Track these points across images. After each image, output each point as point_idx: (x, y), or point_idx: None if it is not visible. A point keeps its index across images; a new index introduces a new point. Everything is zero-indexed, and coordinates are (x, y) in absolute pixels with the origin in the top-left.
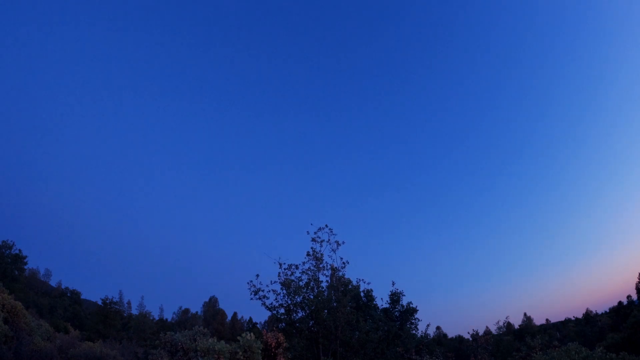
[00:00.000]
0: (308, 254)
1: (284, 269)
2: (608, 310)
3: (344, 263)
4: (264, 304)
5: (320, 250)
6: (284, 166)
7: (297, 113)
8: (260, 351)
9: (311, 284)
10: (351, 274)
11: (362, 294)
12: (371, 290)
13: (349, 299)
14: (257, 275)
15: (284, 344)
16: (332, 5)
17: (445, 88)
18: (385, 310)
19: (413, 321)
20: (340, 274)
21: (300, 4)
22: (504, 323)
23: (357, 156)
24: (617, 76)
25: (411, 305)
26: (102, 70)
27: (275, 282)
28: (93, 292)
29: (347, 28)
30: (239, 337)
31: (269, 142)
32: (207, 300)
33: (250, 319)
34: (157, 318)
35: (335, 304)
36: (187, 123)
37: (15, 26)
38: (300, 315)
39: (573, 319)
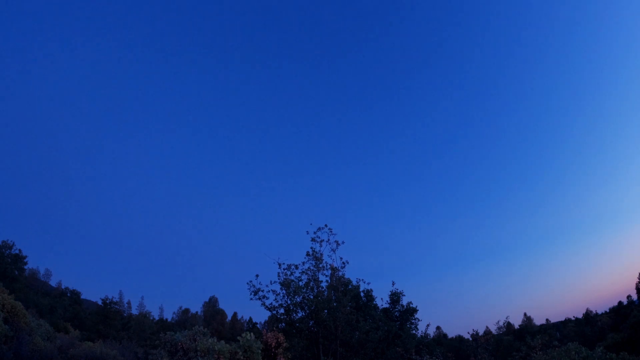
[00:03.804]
0: (308, 254)
1: (284, 269)
2: (608, 310)
3: (343, 263)
4: (263, 304)
5: (320, 250)
6: (284, 166)
7: (296, 113)
8: (260, 351)
9: (311, 284)
10: (351, 273)
11: (362, 294)
12: (371, 290)
13: (348, 299)
14: (257, 275)
15: (284, 344)
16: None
17: (441, 89)
18: (385, 310)
19: (413, 321)
20: (340, 273)
21: (305, 4)
22: (504, 323)
23: (358, 156)
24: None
25: (411, 305)
26: (100, 69)
27: (275, 282)
28: (93, 292)
29: (351, 27)
30: (239, 337)
31: (269, 141)
32: (207, 300)
33: (250, 319)
34: (157, 318)
35: (335, 304)
36: (188, 122)
37: (13, 24)
38: (300, 315)
39: (573, 319)
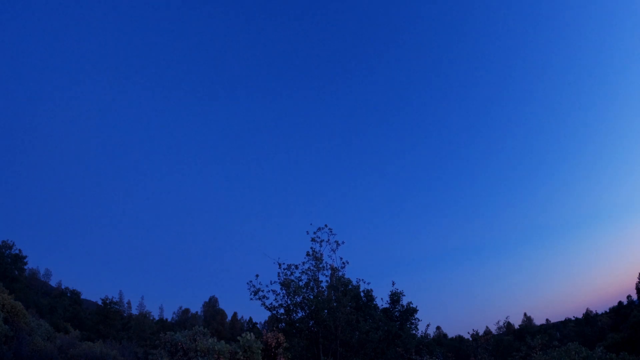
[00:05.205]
0: (308, 254)
1: (284, 269)
2: (608, 310)
3: (343, 263)
4: (263, 304)
5: (320, 250)
6: (284, 166)
7: (296, 114)
8: (260, 351)
9: (311, 284)
10: (351, 273)
11: (362, 294)
12: (371, 290)
13: (348, 299)
14: (257, 275)
15: (284, 344)
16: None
17: (446, 90)
18: (385, 310)
19: (413, 321)
20: (340, 273)
21: (308, 8)
22: (504, 323)
23: (358, 156)
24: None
25: (411, 305)
26: (101, 67)
27: (275, 282)
28: (93, 292)
29: (351, 35)
30: (239, 337)
31: (269, 142)
32: (207, 300)
33: (250, 319)
34: (157, 318)
35: (335, 304)
36: (188, 122)
37: (13, 22)
38: (300, 315)
39: (573, 319)
